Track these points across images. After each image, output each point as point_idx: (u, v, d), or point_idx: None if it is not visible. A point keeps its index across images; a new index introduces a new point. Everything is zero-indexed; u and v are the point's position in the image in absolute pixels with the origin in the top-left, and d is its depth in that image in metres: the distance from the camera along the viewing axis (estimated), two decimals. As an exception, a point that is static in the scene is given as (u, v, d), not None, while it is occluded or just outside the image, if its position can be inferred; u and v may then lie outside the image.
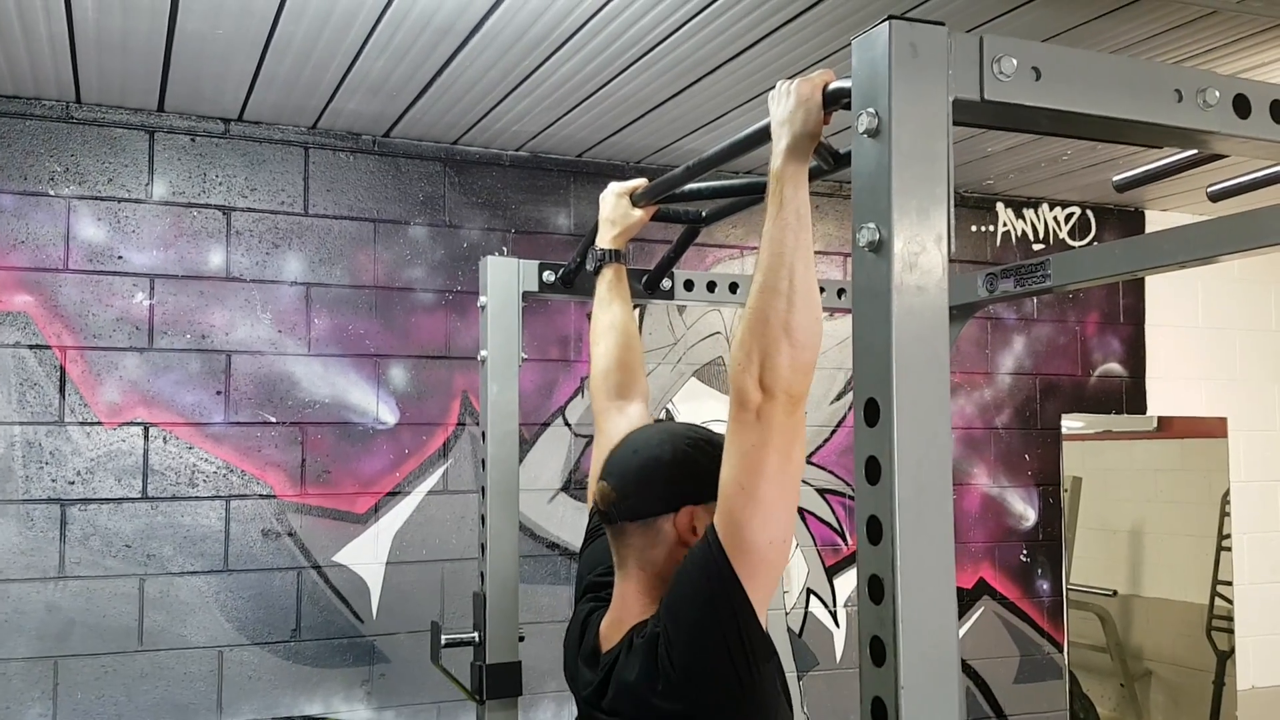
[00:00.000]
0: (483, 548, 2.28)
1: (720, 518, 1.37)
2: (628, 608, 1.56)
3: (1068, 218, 4.47)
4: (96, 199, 3.18)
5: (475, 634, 2.25)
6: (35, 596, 3.05)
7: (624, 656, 1.51)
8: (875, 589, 0.95)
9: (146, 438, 3.18)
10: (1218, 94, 1.10)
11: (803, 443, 1.37)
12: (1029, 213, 4.41)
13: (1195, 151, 1.44)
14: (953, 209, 0.98)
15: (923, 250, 0.96)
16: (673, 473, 1.55)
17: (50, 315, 3.11)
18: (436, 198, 3.57)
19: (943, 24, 0.98)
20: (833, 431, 4.03)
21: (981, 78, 1.00)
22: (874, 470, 0.96)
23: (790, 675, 3.91)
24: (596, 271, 2.10)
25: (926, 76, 0.97)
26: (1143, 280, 4.56)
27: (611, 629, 1.58)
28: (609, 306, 2.06)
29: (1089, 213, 4.50)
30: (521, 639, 2.26)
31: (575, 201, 3.73)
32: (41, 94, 3.08)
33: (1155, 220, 4.60)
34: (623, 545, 1.57)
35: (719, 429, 1.47)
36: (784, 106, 1.33)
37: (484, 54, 2.78)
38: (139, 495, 3.17)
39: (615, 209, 2.07)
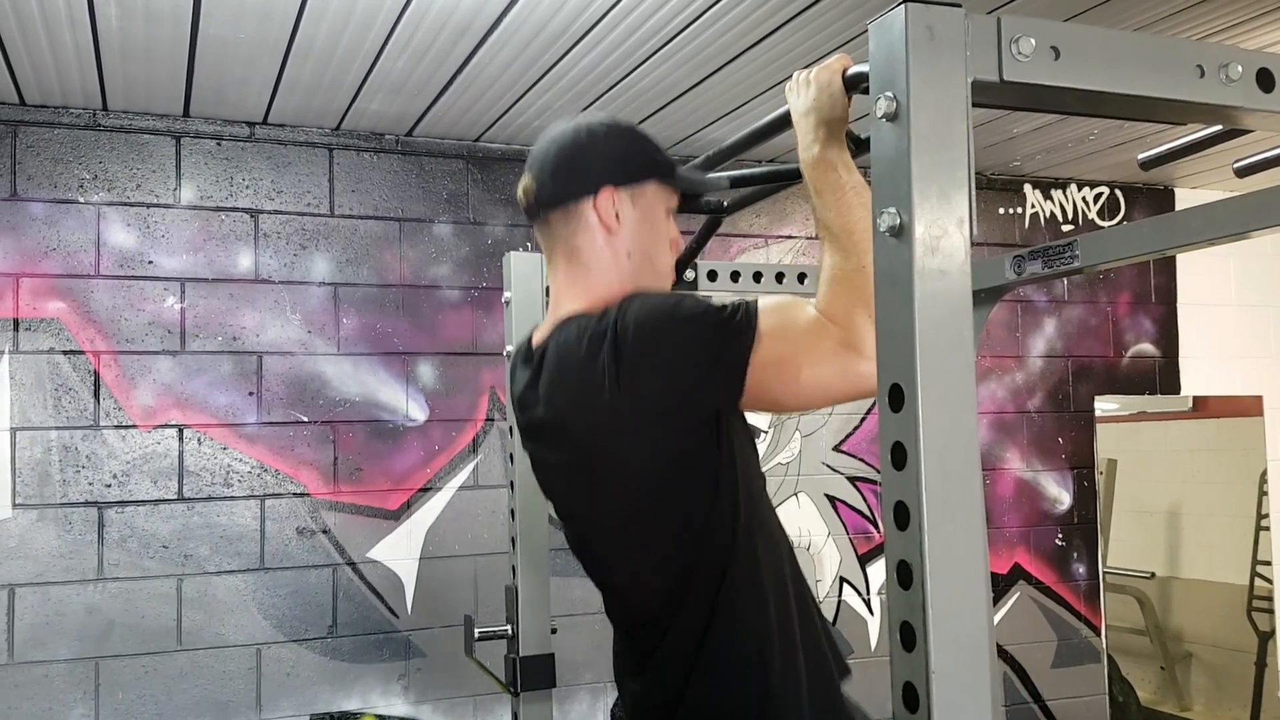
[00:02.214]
0: (514, 541, 2.29)
1: (764, 352, 1.33)
2: (559, 303, 1.55)
3: (1096, 198, 4.42)
4: (126, 205, 3.22)
5: (508, 627, 2.27)
6: (75, 598, 3.09)
7: (555, 344, 1.49)
8: (904, 574, 0.95)
9: (181, 439, 3.22)
10: (1240, 69, 1.09)
11: (862, 379, 1.35)
12: (1057, 193, 4.37)
13: (1220, 128, 1.42)
14: (974, 192, 0.97)
15: (944, 234, 0.95)
16: (590, 154, 1.53)
17: (83, 321, 3.15)
18: (460, 195, 3.58)
19: (959, 5, 0.97)
20: (862, 419, 4.02)
21: (1000, 58, 0.99)
22: (900, 456, 0.96)
23: (825, 663, 3.90)
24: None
25: (944, 59, 0.96)
26: (1174, 259, 4.50)
27: (544, 326, 1.57)
28: None
29: (1118, 192, 4.46)
30: (554, 631, 2.27)
31: (599, 195, 3.73)
32: (69, 102, 3.12)
33: (1185, 198, 4.55)
34: (549, 238, 1.56)
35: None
36: (806, 96, 1.33)
37: (503, 50, 2.79)
38: (175, 496, 3.21)
39: None
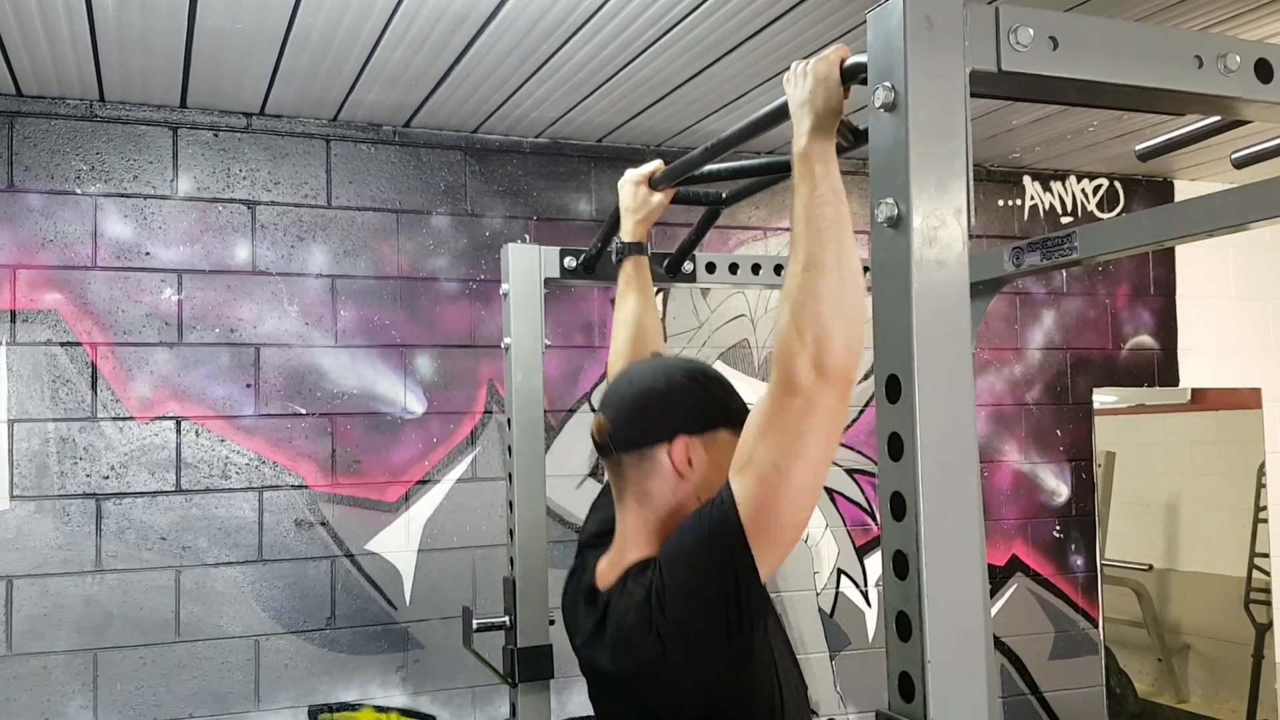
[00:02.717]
0: (511, 534, 2.29)
1: (745, 489, 1.34)
2: (626, 544, 1.56)
3: (1095, 189, 4.42)
4: (123, 196, 3.21)
5: (506, 618, 2.27)
6: (73, 590, 3.09)
7: (617, 598, 1.50)
8: (900, 564, 0.95)
9: (179, 431, 3.22)
10: (1238, 59, 1.09)
11: (841, 428, 1.35)
12: (1056, 185, 4.36)
13: (1218, 118, 1.42)
14: (972, 182, 0.97)
15: (942, 224, 0.95)
16: (667, 403, 1.55)
17: (80, 312, 3.15)
18: (458, 187, 3.58)
19: (957, -5, 0.97)
20: (861, 411, 4.02)
21: (998, 48, 0.99)
22: (896, 446, 0.96)
23: (822, 655, 3.91)
24: (618, 263, 2.10)
25: (942, 49, 0.96)
26: (1173, 251, 4.50)
27: (610, 567, 1.57)
28: (625, 300, 2.07)
29: (1117, 184, 4.45)
30: (552, 622, 2.27)
31: (596, 187, 3.73)
32: (65, 93, 3.11)
33: (1184, 190, 4.54)
34: (619, 478, 1.58)
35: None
36: (803, 87, 1.32)
37: (501, 40, 2.78)
38: (173, 488, 3.21)
39: (634, 197, 2.06)
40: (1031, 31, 1.00)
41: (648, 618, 1.42)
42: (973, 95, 0.99)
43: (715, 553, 1.36)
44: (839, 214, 1.27)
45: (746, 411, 1.56)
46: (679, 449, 1.52)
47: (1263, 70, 1.12)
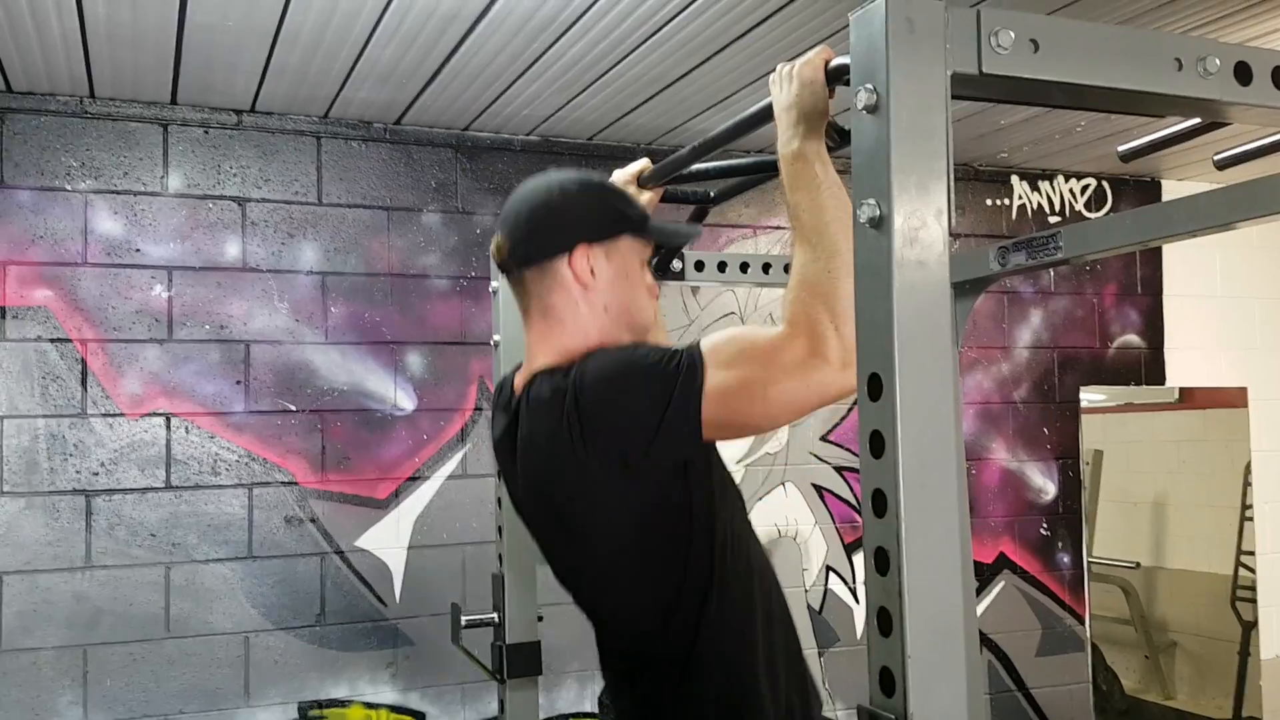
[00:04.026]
0: (500, 530, 2.30)
1: (724, 383, 1.35)
2: (534, 357, 1.58)
3: (1083, 189, 4.44)
4: (113, 193, 3.21)
5: (495, 615, 2.28)
6: (63, 586, 3.09)
7: (527, 395, 1.52)
8: (881, 560, 0.96)
9: (168, 428, 3.22)
10: (1218, 62, 1.10)
11: None
12: (1044, 185, 4.38)
13: (1199, 120, 1.43)
14: (953, 184, 0.98)
15: (923, 225, 0.96)
16: (564, 213, 1.56)
17: (70, 309, 3.15)
18: (449, 184, 3.58)
19: (940, -2, 0.98)
20: (850, 409, 4.03)
21: (979, 51, 1.00)
22: (878, 444, 0.97)
23: (811, 652, 3.93)
24: None
25: (924, 51, 0.97)
26: (1160, 250, 4.53)
27: (520, 378, 1.60)
28: None
29: (1104, 184, 4.47)
30: (541, 619, 2.28)
31: (587, 184, 3.73)
32: (55, 89, 3.11)
33: (1171, 190, 4.57)
34: (524, 296, 1.59)
35: None
36: (789, 90, 1.34)
37: (492, 38, 2.78)
38: (163, 485, 3.21)
39: None
40: (1012, 34, 1.00)
41: (558, 410, 1.43)
42: (954, 97, 1.00)
43: (659, 396, 1.37)
44: (848, 207, 1.30)
45: (646, 216, 1.62)
46: (579, 258, 1.53)
47: (1242, 73, 1.13)
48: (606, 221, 1.57)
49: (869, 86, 0.98)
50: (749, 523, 1.61)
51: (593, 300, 1.55)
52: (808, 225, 1.33)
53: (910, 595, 0.93)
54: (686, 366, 1.37)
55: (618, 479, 1.43)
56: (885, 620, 0.95)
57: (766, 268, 2.54)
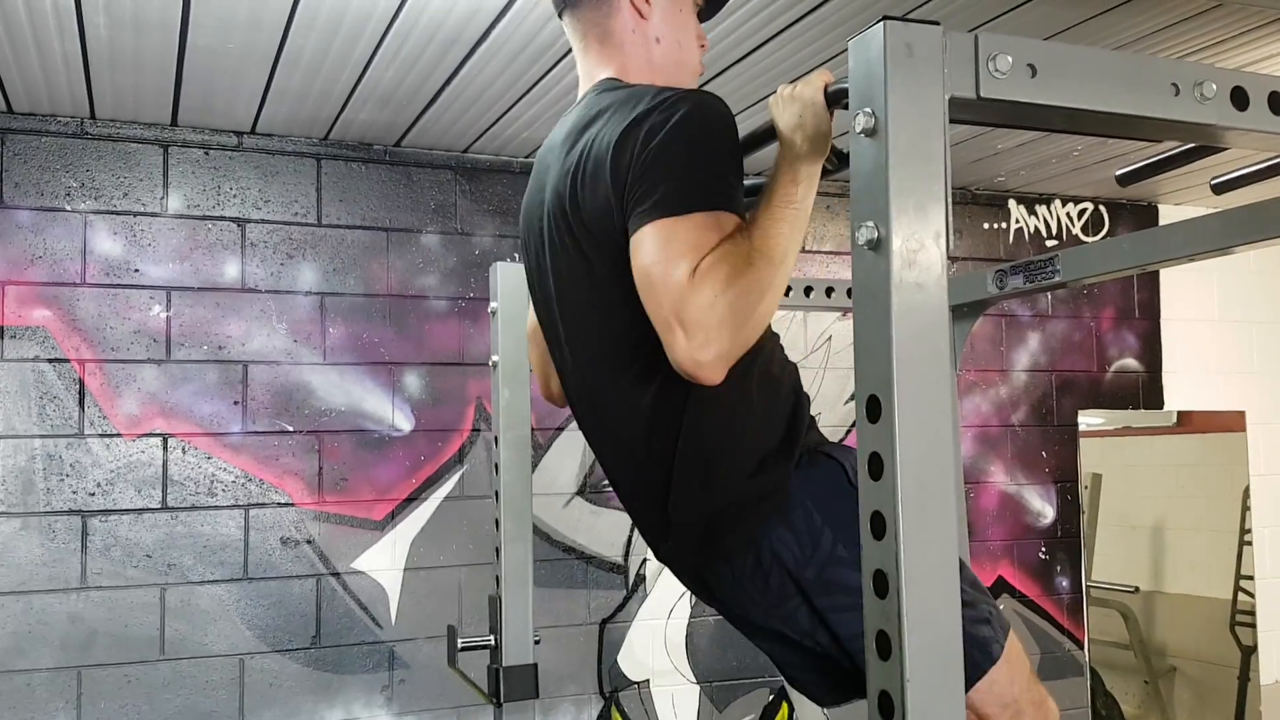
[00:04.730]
0: (498, 552, 2.29)
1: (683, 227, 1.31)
2: (592, 75, 1.60)
3: (1080, 213, 4.46)
4: (112, 213, 3.22)
5: (491, 637, 2.27)
6: (58, 607, 3.08)
7: (603, 97, 1.50)
8: (880, 583, 0.96)
9: (165, 448, 3.22)
10: (1215, 87, 1.11)
11: None
12: (1041, 209, 4.40)
13: (1195, 144, 1.44)
14: (950, 207, 0.98)
15: (921, 248, 0.97)
16: None
17: (69, 329, 3.15)
18: (448, 206, 3.59)
19: (938, 23, 0.99)
20: (847, 432, 4.03)
21: (977, 76, 1.01)
22: (877, 466, 0.97)
23: (809, 676, 3.90)
24: None
25: (922, 76, 0.98)
26: (1157, 274, 4.54)
27: (582, 101, 1.59)
28: None
29: (1101, 208, 4.49)
30: (538, 641, 2.27)
31: (586, 207, 3.75)
32: (57, 110, 3.12)
33: (1168, 214, 4.58)
34: (581, 23, 1.61)
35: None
36: (791, 112, 1.35)
37: (492, 62, 2.80)
38: (159, 505, 3.20)
39: None
40: (1010, 59, 1.01)
41: (633, 133, 1.37)
42: (952, 121, 1.00)
43: (704, 161, 1.34)
44: (798, 240, 1.34)
45: None
46: None
47: (1239, 98, 1.14)
48: None
49: (868, 110, 0.98)
50: None
51: (646, 30, 1.59)
52: (759, 230, 1.33)
53: (909, 619, 0.93)
54: (717, 189, 1.34)
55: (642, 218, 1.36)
56: (884, 643, 0.95)
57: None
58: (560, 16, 1.66)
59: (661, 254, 1.29)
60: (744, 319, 1.27)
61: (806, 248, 3.94)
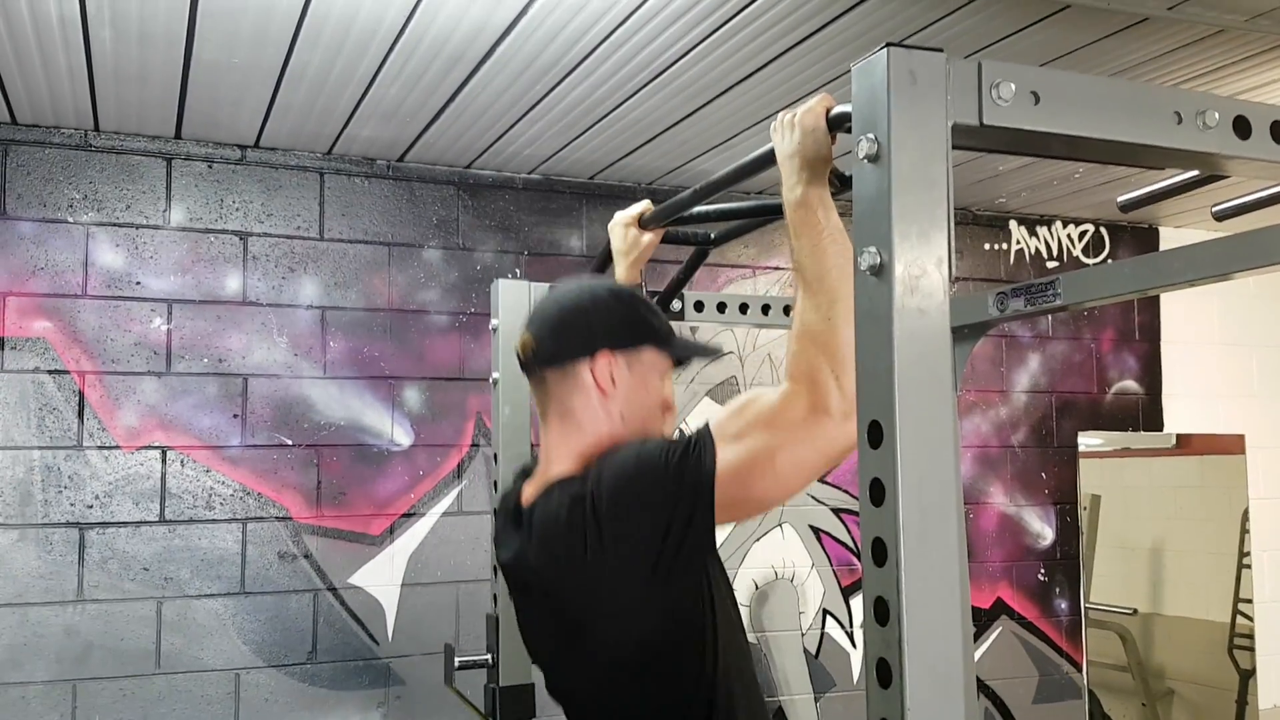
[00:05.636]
0: (495, 569, 2.28)
1: (733, 458, 1.36)
2: (550, 462, 1.57)
3: (1081, 235, 4.46)
4: (115, 225, 3.22)
5: (489, 656, 2.26)
6: (54, 619, 3.07)
7: (542, 505, 1.51)
8: (881, 611, 0.95)
9: (164, 461, 3.21)
10: (1217, 115, 1.11)
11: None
12: (1042, 230, 4.40)
13: (1198, 172, 1.44)
14: (953, 232, 0.98)
15: (924, 274, 0.96)
16: (590, 318, 1.57)
17: (69, 340, 3.15)
18: (450, 221, 3.60)
19: (941, 50, 0.99)
20: (847, 451, 4.02)
21: (980, 103, 1.01)
22: (878, 492, 0.97)
23: (807, 697, 3.89)
24: None
25: (925, 102, 0.98)
26: (1158, 297, 4.54)
27: (534, 486, 1.58)
28: None
29: (1102, 230, 4.50)
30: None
31: (587, 223, 3.76)
32: (60, 122, 3.13)
33: (1169, 237, 4.59)
34: (543, 396, 1.60)
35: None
36: (791, 138, 1.35)
37: (496, 80, 2.81)
38: (156, 518, 3.19)
39: (624, 239, 2.07)
40: (1013, 86, 1.01)
41: (578, 519, 1.42)
42: (955, 147, 1.00)
43: (672, 489, 1.37)
44: (849, 253, 1.33)
45: (671, 331, 1.63)
46: (602, 365, 1.54)
47: (1241, 127, 1.14)
48: (632, 331, 1.58)
49: (870, 136, 0.98)
50: (739, 616, 1.62)
51: (610, 408, 1.56)
52: (809, 272, 1.34)
53: (910, 646, 0.92)
54: (697, 445, 1.38)
55: (634, 586, 1.41)
56: (885, 671, 0.94)
57: (766, 309, 2.54)
58: (528, 377, 1.65)
59: (762, 398, 1.39)
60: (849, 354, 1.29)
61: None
